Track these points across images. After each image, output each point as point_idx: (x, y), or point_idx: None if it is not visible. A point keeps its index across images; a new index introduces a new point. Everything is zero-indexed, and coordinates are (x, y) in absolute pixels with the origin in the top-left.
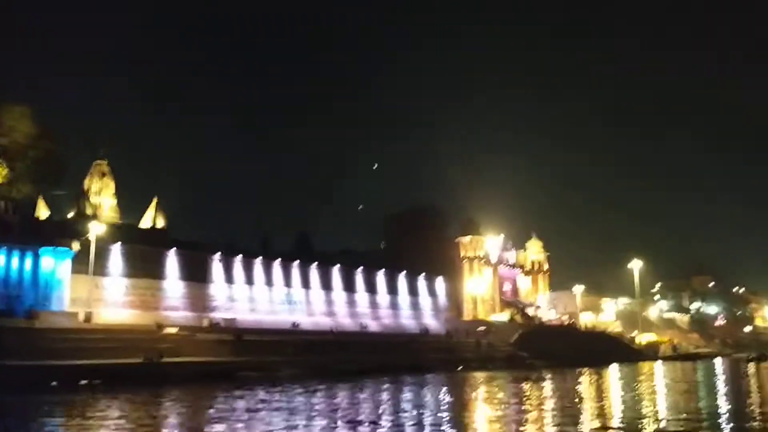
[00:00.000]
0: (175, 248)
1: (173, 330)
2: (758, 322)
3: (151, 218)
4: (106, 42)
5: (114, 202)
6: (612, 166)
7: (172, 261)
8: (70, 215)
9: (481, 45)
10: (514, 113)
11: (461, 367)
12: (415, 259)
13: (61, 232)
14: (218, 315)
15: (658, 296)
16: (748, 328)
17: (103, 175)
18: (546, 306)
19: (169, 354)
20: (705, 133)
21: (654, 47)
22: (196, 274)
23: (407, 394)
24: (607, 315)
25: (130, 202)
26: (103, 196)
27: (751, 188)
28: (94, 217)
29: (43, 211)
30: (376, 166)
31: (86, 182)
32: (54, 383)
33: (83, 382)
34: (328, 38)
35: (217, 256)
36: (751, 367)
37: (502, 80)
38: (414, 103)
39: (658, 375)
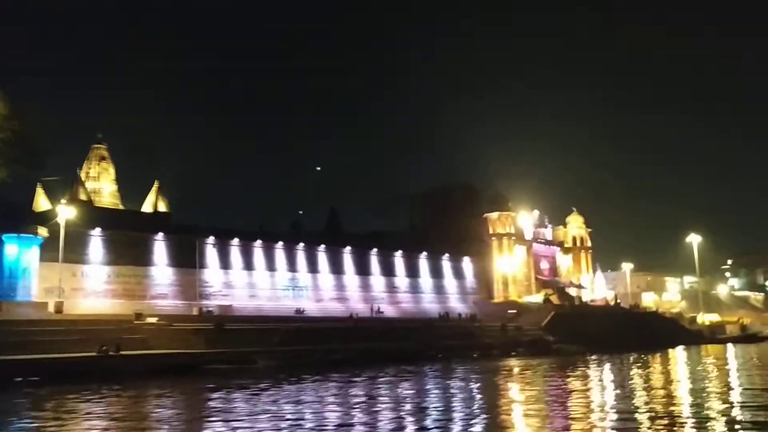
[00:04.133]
0: (162, 233)
1: (153, 319)
2: None
3: (151, 203)
4: (102, 24)
5: (114, 187)
6: (662, 139)
7: (160, 247)
8: (64, 201)
9: (514, 21)
10: (550, 89)
11: (477, 353)
12: (442, 239)
13: (41, 219)
14: (212, 303)
15: (728, 273)
16: None
17: (102, 159)
18: (602, 286)
19: (136, 346)
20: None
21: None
22: (187, 260)
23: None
24: (671, 295)
25: (139, 188)
26: (102, 181)
27: None
28: (90, 202)
29: (41, 199)
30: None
31: (84, 167)
32: None
33: (18, 379)
34: (357, 14)
35: (211, 240)
36: None
37: (535, 57)
38: (444, 80)
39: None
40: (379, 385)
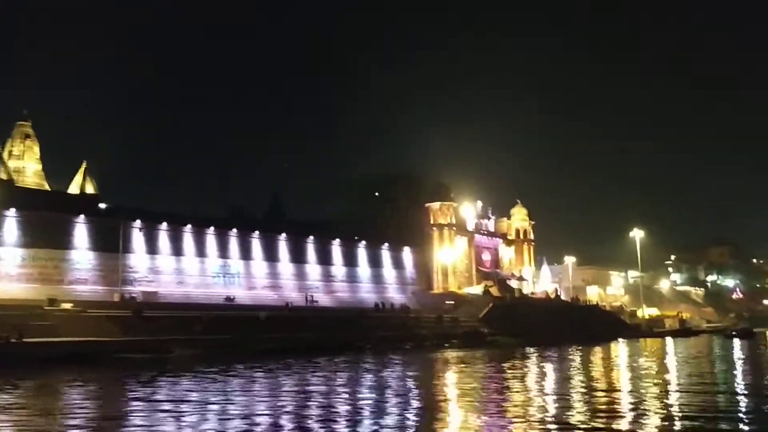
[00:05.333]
0: (83, 215)
1: (68, 305)
2: None
3: (78, 185)
4: None
5: (39, 167)
6: (613, 140)
7: (81, 229)
8: None
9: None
10: (499, 75)
11: (410, 345)
12: (382, 228)
13: None
14: (136, 289)
15: (671, 269)
16: (767, 302)
17: (27, 137)
18: (548, 279)
19: (44, 333)
20: (718, 96)
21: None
22: (111, 243)
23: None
24: (615, 289)
25: (69, 169)
26: (26, 160)
27: None
28: (10, 181)
29: None
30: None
31: (7, 145)
32: None
33: None
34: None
35: (137, 223)
36: (733, 346)
37: (484, 42)
38: (402, 79)
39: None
40: (262, 378)
